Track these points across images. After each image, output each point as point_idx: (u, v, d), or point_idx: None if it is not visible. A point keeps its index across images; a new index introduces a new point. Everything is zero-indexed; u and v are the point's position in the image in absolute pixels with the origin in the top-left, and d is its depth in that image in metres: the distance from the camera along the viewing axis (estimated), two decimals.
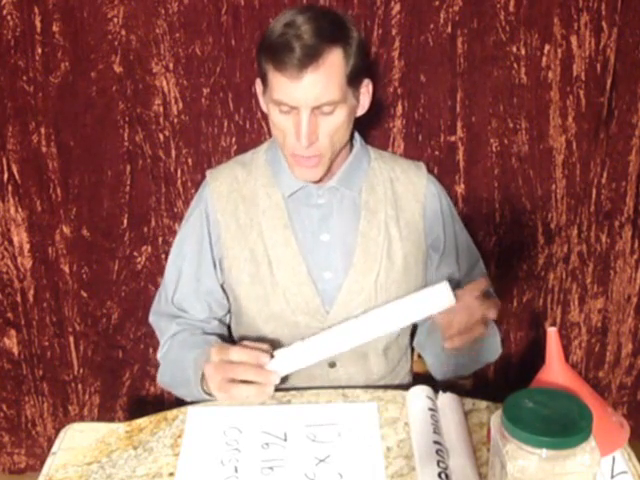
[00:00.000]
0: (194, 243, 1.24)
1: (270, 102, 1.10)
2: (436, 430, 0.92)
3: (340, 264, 1.18)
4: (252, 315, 1.19)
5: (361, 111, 1.17)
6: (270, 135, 1.57)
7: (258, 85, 1.17)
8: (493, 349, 1.23)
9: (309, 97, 1.04)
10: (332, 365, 1.21)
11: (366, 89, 1.16)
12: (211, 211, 1.22)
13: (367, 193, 1.21)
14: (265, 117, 1.58)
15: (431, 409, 0.96)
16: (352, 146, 1.23)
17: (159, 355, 1.26)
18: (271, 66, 1.06)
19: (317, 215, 1.20)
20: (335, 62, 1.05)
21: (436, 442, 0.90)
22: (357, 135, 1.23)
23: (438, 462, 0.86)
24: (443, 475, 0.84)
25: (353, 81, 1.09)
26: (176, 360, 1.18)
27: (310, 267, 1.18)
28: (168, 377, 1.22)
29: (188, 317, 1.24)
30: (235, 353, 1.02)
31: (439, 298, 0.97)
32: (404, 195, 1.23)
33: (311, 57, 1.02)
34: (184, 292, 1.24)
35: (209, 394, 1.06)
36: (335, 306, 1.17)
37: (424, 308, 0.99)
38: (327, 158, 1.12)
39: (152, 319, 1.30)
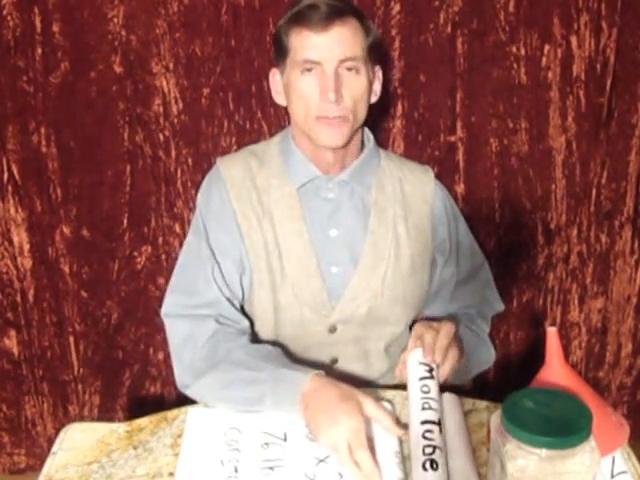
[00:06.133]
0: (225, 220, 1.17)
1: (293, 68, 1.12)
2: (425, 395, 0.96)
3: (347, 260, 1.18)
4: (262, 307, 1.18)
5: (374, 98, 1.19)
6: (271, 135, 1.58)
7: (272, 75, 1.19)
8: (484, 359, 1.29)
9: (335, 49, 1.08)
10: (334, 361, 1.21)
11: (378, 75, 1.19)
12: (226, 197, 1.18)
13: (377, 191, 1.21)
14: (265, 117, 1.58)
15: (423, 378, 0.99)
16: (364, 145, 1.23)
17: (191, 356, 1.11)
18: (297, 26, 1.10)
19: (326, 210, 1.19)
20: (357, 27, 1.11)
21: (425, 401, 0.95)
22: (370, 134, 1.24)
23: (424, 448, 0.87)
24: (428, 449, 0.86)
25: (370, 56, 1.14)
26: (249, 366, 1.05)
27: (319, 261, 1.18)
28: (225, 378, 1.06)
29: (223, 311, 1.15)
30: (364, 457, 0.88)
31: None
32: (412, 195, 1.23)
33: (336, 14, 1.08)
34: (227, 267, 1.16)
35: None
36: (341, 302, 1.17)
37: None
38: (351, 124, 1.13)
39: (165, 313, 1.19)
